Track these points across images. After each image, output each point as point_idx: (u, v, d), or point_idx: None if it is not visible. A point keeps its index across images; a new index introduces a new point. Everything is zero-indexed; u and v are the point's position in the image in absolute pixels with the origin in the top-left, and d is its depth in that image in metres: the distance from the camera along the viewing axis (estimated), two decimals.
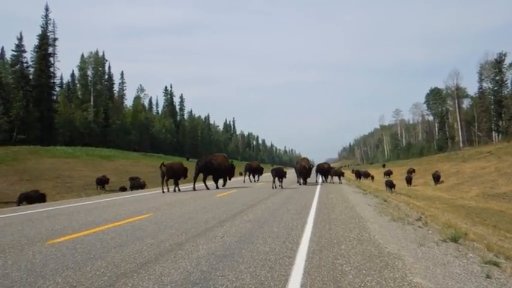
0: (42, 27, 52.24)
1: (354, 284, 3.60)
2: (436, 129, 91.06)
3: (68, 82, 69.82)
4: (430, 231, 6.84)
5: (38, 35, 51.33)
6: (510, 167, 32.72)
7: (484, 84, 69.86)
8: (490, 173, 33.81)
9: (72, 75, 69.50)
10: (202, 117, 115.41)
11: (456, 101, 75.69)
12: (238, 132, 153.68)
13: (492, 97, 67.20)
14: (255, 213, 8.69)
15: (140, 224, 7.15)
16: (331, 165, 29.62)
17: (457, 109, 75.31)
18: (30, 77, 49.56)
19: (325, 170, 25.39)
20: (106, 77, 69.23)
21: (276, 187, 18.48)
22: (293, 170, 29.16)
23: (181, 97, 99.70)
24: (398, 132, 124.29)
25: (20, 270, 4.07)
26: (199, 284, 3.58)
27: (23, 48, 49.70)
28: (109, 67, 70.49)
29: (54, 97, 54.10)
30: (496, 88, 66.06)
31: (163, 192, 16.55)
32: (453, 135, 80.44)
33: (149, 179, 29.55)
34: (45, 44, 51.23)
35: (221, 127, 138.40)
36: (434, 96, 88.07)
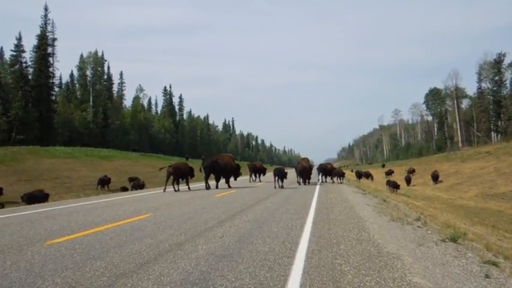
0: (41, 27, 52.18)
1: (353, 284, 3.60)
2: (435, 129, 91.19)
3: (67, 82, 69.74)
4: (429, 231, 6.84)
5: (37, 35, 51.24)
6: (509, 167, 32.77)
7: (483, 85, 70.07)
8: (488, 173, 33.85)
9: (71, 75, 69.50)
10: (202, 117, 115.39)
11: (455, 101, 75.79)
12: (237, 132, 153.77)
13: (491, 97, 67.31)
14: (254, 213, 8.69)
15: (139, 224, 7.14)
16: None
17: (456, 109, 75.41)
18: (30, 77, 49.45)
19: (328, 170, 25.67)
20: (105, 77, 69.15)
21: (276, 187, 18.73)
22: (293, 170, 29.23)
23: (180, 97, 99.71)
24: (398, 132, 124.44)
25: (19, 271, 4.06)
26: (199, 284, 3.58)
27: (22, 48, 49.57)
28: (108, 67, 70.54)
29: (53, 97, 53.99)
30: (495, 88, 66.18)
31: (164, 191, 16.79)
32: (452, 136, 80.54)
33: (148, 179, 29.60)
34: (45, 44, 51.13)
35: (220, 127, 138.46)
36: (434, 97, 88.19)
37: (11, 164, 26.99)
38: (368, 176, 44.36)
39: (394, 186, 26.17)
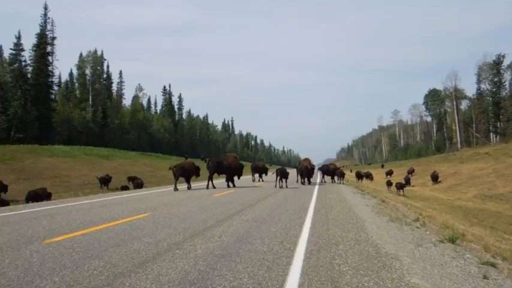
0: (40, 26, 52.12)
1: (351, 284, 3.60)
2: (434, 130, 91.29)
3: (67, 81, 69.67)
4: (428, 232, 6.85)
5: (36, 34, 51.22)
6: (508, 168, 32.83)
7: (482, 86, 70.06)
8: (487, 174, 33.90)
9: (71, 74, 69.46)
10: (201, 116, 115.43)
11: (454, 102, 75.81)
12: (236, 132, 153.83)
13: (490, 98, 67.40)
14: (253, 213, 8.69)
15: (138, 224, 7.14)
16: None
17: (455, 110, 75.44)
18: (29, 75, 49.34)
19: (331, 171, 26.22)
20: (104, 76, 69.14)
21: (276, 186, 19.01)
22: (295, 170, 29.46)
23: (179, 97, 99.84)
24: (397, 133, 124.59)
25: (17, 270, 4.06)
26: (197, 283, 3.58)
27: (21, 47, 49.45)
28: (107, 66, 70.47)
29: (53, 96, 53.90)
30: (494, 89, 66.23)
31: (175, 190, 17.09)
32: (451, 136, 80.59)
33: (147, 179, 29.60)
34: (44, 43, 51.06)
35: (219, 127, 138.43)
36: (433, 97, 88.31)
37: (10, 163, 26.96)
38: (368, 176, 44.37)
39: (400, 187, 26.53)
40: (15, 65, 49.04)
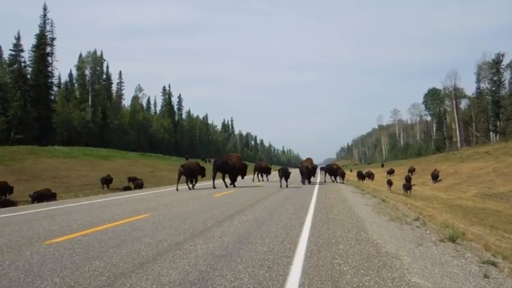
0: (40, 26, 52.15)
1: (352, 284, 3.60)
2: (434, 129, 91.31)
3: (66, 82, 69.64)
4: (428, 231, 6.85)
5: (36, 35, 51.22)
6: (507, 167, 32.84)
7: (482, 85, 70.10)
8: (487, 173, 33.91)
9: (70, 74, 69.46)
10: (201, 117, 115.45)
11: (454, 102, 75.82)
12: (236, 132, 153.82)
13: (490, 97, 67.42)
14: (254, 213, 8.69)
15: (138, 224, 7.14)
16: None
17: (454, 109, 75.46)
18: (28, 76, 49.36)
19: (334, 170, 26.84)
20: (104, 76, 69.15)
21: (282, 186, 19.29)
22: (297, 170, 29.88)
23: (179, 97, 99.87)
24: (397, 132, 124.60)
25: (18, 271, 4.05)
26: (198, 284, 3.58)
27: (21, 48, 49.52)
28: (107, 67, 70.49)
29: (52, 97, 53.91)
30: (493, 88, 66.25)
31: (177, 190, 17.34)
32: (451, 136, 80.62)
33: (147, 179, 29.59)
34: (43, 44, 51.07)
35: (219, 127, 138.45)
36: (432, 97, 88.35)
37: (10, 164, 26.95)
38: (369, 176, 44.34)
39: (408, 188, 27.61)
40: (14, 66, 49.05)
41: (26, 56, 50.20)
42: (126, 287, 3.51)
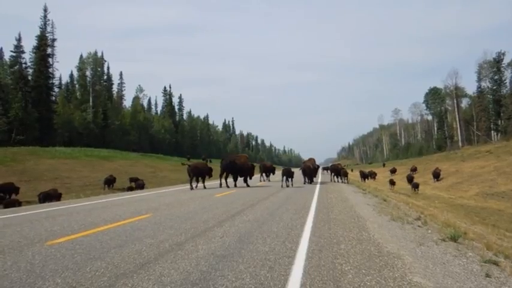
0: (40, 28, 52.18)
1: (353, 284, 3.60)
2: (435, 128, 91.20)
3: (67, 83, 69.73)
4: (430, 231, 6.85)
5: (36, 36, 51.25)
6: (509, 166, 32.78)
7: (483, 84, 69.96)
8: (489, 172, 33.86)
9: (71, 75, 69.48)
10: (201, 117, 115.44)
11: (455, 101, 75.71)
12: (237, 132, 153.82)
13: (491, 96, 67.28)
14: (255, 213, 8.69)
15: (140, 225, 7.14)
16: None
17: (456, 108, 75.35)
18: (29, 77, 49.38)
19: (338, 170, 27.70)
20: (105, 77, 69.20)
21: (283, 185, 19.42)
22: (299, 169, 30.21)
23: (180, 97, 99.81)
24: (398, 131, 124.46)
25: (20, 271, 4.06)
26: (199, 284, 3.58)
27: (21, 49, 49.56)
28: (108, 67, 70.57)
29: (53, 98, 53.96)
30: (494, 87, 66.13)
31: (191, 189, 17.69)
32: (452, 135, 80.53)
33: (148, 179, 29.59)
34: (44, 45, 51.09)
35: (220, 127, 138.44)
36: (433, 96, 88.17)
37: (11, 165, 26.98)
38: (371, 175, 44.32)
39: (415, 186, 28.44)
40: (15, 67, 49.12)
41: (27, 57, 50.34)
42: (128, 287, 3.52)
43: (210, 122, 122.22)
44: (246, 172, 20.72)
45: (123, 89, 78.91)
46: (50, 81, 52.28)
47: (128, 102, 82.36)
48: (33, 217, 8.68)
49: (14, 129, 43.63)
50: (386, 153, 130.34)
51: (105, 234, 6.21)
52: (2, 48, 60.88)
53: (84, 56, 64.07)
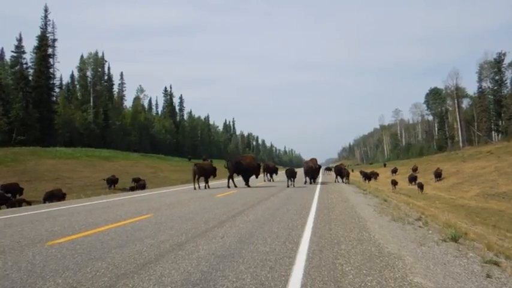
0: (41, 28, 52.15)
1: (354, 284, 3.60)
2: (436, 129, 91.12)
3: (68, 83, 69.77)
4: (430, 231, 6.84)
5: (37, 36, 51.29)
6: (510, 166, 32.73)
7: (484, 84, 69.84)
8: (489, 173, 33.81)
9: (72, 76, 69.51)
10: (202, 117, 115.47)
11: (456, 101, 75.62)
12: (238, 132, 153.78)
13: (491, 97, 67.20)
14: (255, 214, 8.69)
15: (140, 225, 7.15)
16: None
17: (456, 109, 75.27)
18: (30, 78, 49.43)
19: (341, 171, 28.09)
20: (105, 77, 69.23)
21: (289, 186, 19.74)
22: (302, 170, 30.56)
23: (180, 98, 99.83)
24: (398, 132, 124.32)
25: (20, 271, 4.07)
26: (200, 284, 3.58)
27: (22, 49, 49.61)
28: (108, 68, 70.57)
29: (54, 98, 53.98)
30: (495, 88, 66.04)
31: (194, 188, 18.12)
32: (453, 135, 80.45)
33: (149, 180, 29.58)
34: (45, 45, 51.11)
35: (221, 127, 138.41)
36: (434, 96, 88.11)
37: (12, 165, 27.01)
38: (373, 175, 44.27)
39: (421, 187, 29.03)
40: (16, 68, 49.18)
41: (28, 57, 50.37)
42: (128, 287, 3.52)
43: (211, 122, 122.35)
44: (252, 172, 21.04)
45: (123, 89, 79.05)
46: (51, 82, 52.31)
47: (128, 103, 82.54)
48: (34, 217, 8.69)
49: (15, 130, 43.68)
50: (387, 154, 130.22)
51: (105, 234, 6.21)
52: (2, 49, 61.10)
53: (85, 56, 64.19)
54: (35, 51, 50.48)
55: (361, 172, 43.57)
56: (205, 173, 19.40)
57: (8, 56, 53.90)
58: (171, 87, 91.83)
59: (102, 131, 60.12)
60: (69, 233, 6.38)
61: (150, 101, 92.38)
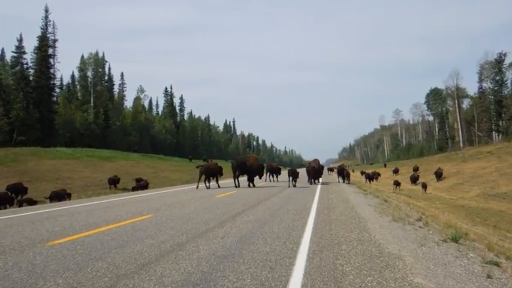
0: (42, 28, 52.14)
1: (354, 285, 3.60)
2: (436, 129, 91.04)
3: (68, 83, 69.70)
4: (431, 232, 6.84)
5: (38, 37, 51.29)
6: (510, 167, 32.72)
7: (484, 84, 69.78)
8: (490, 173, 33.79)
9: (72, 76, 69.44)
10: (203, 117, 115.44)
11: (456, 101, 75.56)
12: (238, 132, 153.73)
13: (492, 97, 67.14)
14: (256, 214, 8.69)
15: (141, 225, 7.15)
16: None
17: (457, 109, 75.22)
18: (30, 78, 49.44)
19: (343, 171, 28.80)
20: (106, 78, 69.19)
21: (290, 186, 20.06)
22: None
23: (181, 98, 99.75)
24: (399, 132, 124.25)
25: (21, 271, 4.07)
26: (200, 284, 3.58)
27: (23, 50, 49.61)
28: (109, 68, 70.48)
29: (54, 98, 53.97)
30: (496, 88, 65.98)
31: (207, 187, 18.75)
32: (453, 136, 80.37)
33: (149, 180, 29.58)
34: (45, 46, 51.12)
35: (221, 128, 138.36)
36: (435, 97, 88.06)
37: (13, 165, 27.02)
38: (375, 176, 44.26)
39: (424, 186, 29.53)
40: (17, 68, 49.18)
41: (28, 57, 50.36)
42: (129, 287, 3.52)
43: (211, 122, 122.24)
44: (256, 172, 21.56)
45: (124, 89, 78.86)
46: (51, 82, 52.32)
47: (129, 103, 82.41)
48: (35, 217, 8.70)
49: (16, 130, 43.71)
50: (387, 154, 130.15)
51: (106, 234, 6.21)
52: (3, 49, 61.02)
53: (85, 56, 64.19)
54: (36, 51, 50.49)
55: (362, 173, 43.57)
56: (213, 173, 19.89)
57: (8, 56, 53.93)
58: (171, 88, 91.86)
59: (103, 131, 60.13)
60: (69, 233, 6.39)
61: (150, 101, 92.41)
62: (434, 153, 76.83)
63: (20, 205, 15.28)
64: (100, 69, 65.83)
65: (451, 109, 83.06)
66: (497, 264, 4.60)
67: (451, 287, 3.67)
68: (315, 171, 24.20)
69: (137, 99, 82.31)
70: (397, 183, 32.12)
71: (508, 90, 65.09)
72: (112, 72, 71.77)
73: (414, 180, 39.04)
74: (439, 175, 39.25)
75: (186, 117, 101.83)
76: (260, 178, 22.40)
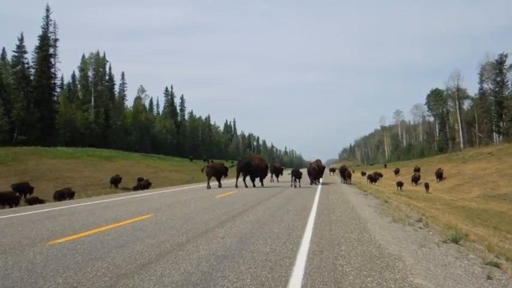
0: (43, 28, 52.19)
1: (354, 285, 3.60)
2: (437, 130, 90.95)
3: (69, 83, 69.76)
4: (431, 232, 6.83)
5: (38, 36, 51.34)
6: (511, 168, 32.66)
7: (485, 85, 69.73)
8: (490, 174, 33.75)
9: (73, 76, 69.53)
10: (203, 118, 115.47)
11: (457, 102, 75.52)
12: (238, 132, 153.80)
13: (493, 98, 67.10)
14: (256, 214, 8.69)
15: (141, 225, 7.15)
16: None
17: (457, 110, 75.16)
18: (31, 77, 49.47)
19: (345, 171, 29.23)
20: (107, 77, 69.23)
21: (292, 185, 20.41)
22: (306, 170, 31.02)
23: (181, 98, 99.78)
24: (399, 133, 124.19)
25: (21, 271, 4.07)
26: (200, 284, 3.58)
27: (24, 49, 49.70)
28: (110, 68, 70.49)
29: (55, 98, 54.00)
30: (496, 89, 65.92)
31: (208, 188, 19.03)
32: (454, 136, 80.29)
33: (150, 180, 29.59)
34: (46, 45, 51.16)
35: (222, 128, 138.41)
36: (435, 97, 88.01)
37: (13, 165, 27.04)
38: (377, 177, 44.24)
39: (427, 186, 30.12)
40: (17, 67, 49.23)
41: (29, 57, 50.43)
42: (129, 287, 3.52)
43: (212, 122, 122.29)
44: (261, 172, 21.82)
45: (125, 89, 78.85)
46: (52, 81, 52.35)
47: (129, 103, 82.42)
48: (35, 217, 8.70)
49: (16, 129, 43.74)
50: (387, 155, 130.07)
51: (106, 234, 6.22)
52: (4, 48, 61.08)
53: (86, 56, 64.28)
54: (37, 51, 50.52)
55: (362, 173, 43.59)
56: (217, 173, 20.27)
57: (9, 55, 54.00)
58: (172, 87, 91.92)
59: (103, 131, 60.16)
60: (69, 232, 6.39)
61: (151, 101, 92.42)
62: (435, 154, 76.75)
63: (30, 203, 15.39)
64: (101, 69, 65.87)
65: (451, 110, 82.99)
66: (497, 265, 4.60)
67: None
68: (316, 172, 24.45)
69: (138, 99, 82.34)
70: (400, 184, 32.10)
71: (508, 91, 65.03)
72: (113, 72, 71.88)
73: (416, 180, 39.04)
74: (439, 175, 39.29)
75: (186, 117, 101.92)
76: (264, 177, 22.58)
